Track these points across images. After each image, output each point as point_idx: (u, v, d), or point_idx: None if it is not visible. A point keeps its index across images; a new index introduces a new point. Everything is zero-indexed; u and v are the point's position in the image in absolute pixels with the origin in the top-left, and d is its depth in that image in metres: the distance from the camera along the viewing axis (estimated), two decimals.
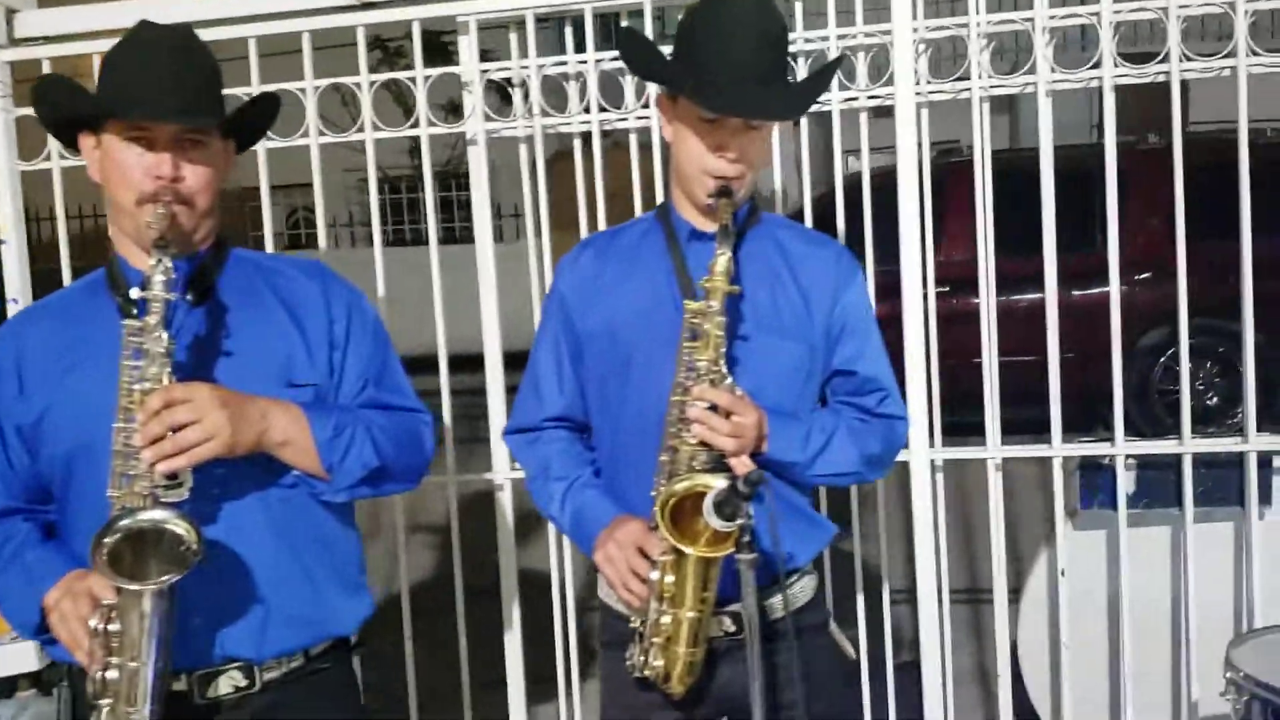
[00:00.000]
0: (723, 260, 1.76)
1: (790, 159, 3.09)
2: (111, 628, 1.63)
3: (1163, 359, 6.82)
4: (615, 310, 1.93)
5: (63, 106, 1.80)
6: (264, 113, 1.93)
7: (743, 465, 1.76)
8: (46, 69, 2.91)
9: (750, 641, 1.61)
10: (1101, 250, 2.83)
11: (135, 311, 1.70)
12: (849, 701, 2.08)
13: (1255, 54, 2.69)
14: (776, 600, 1.94)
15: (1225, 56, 2.71)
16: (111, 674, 1.64)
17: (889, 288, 2.84)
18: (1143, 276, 6.50)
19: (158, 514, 1.64)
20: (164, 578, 1.60)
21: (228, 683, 1.81)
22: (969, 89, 2.79)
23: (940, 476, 2.92)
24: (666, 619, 1.77)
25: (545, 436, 2.02)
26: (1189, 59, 2.72)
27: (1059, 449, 2.87)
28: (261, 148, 2.85)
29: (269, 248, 2.96)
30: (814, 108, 2.09)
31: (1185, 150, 2.75)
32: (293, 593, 1.84)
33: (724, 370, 1.77)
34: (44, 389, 1.80)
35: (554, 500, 1.96)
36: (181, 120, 1.73)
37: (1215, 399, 6.76)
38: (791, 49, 2.83)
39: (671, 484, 1.74)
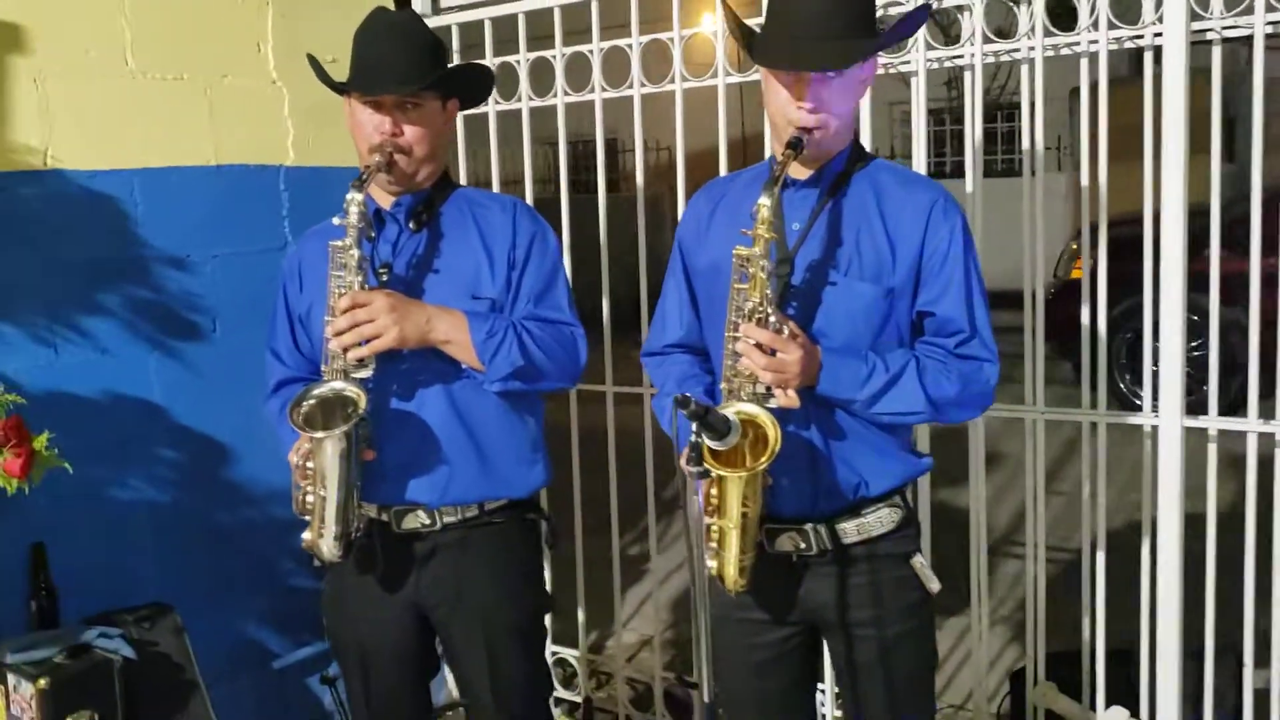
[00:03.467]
0: (764, 210, 1.86)
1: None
2: (309, 464, 2.21)
3: None
4: (717, 250, 2.08)
5: (318, 79, 2.37)
6: (476, 78, 2.42)
7: (785, 397, 1.90)
8: (455, 36, 3.56)
9: (691, 545, 1.78)
10: None
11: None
12: (922, 628, 2.12)
13: None
14: (848, 525, 2.05)
15: None
16: (310, 498, 2.23)
17: None
18: None
19: (336, 384, 2.19)
20: (332, 430, 2.14)
21: (415, 519, 2.33)
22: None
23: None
24: (715, 527, 1.96)
25: (670, 360, 2.26)
26: None
27: (1094, 414, 2.86)
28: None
29: None
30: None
31: None
32: (467, 459, 2.31)
33: (769, 310, 1.89)
34: (310, 290, 2.39)
35: (664, 414, 2.21)
36: (390, 92, 2.22)
37: None
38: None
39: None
